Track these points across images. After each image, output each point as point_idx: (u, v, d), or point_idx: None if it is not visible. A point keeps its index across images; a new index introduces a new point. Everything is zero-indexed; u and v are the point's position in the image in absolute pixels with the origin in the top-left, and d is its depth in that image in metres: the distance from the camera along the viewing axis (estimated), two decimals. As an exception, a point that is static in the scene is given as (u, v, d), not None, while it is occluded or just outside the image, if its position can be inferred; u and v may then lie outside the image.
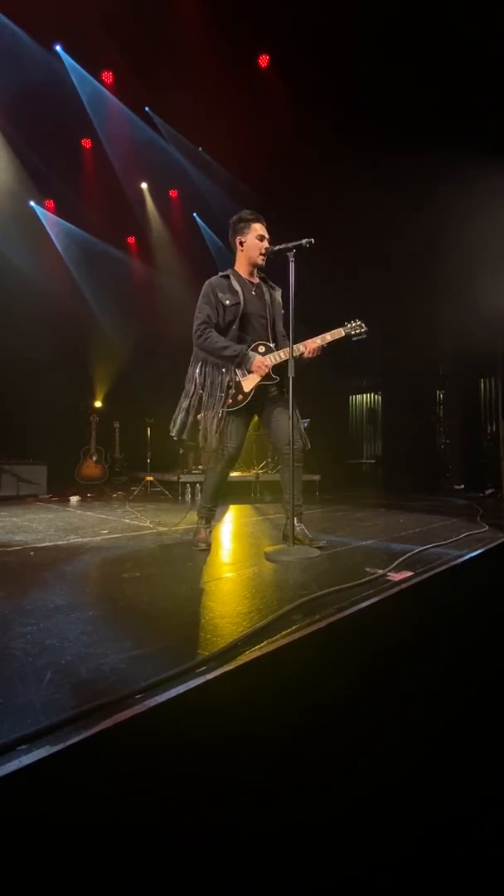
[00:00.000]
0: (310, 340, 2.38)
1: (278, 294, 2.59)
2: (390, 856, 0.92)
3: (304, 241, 2.24)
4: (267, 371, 2.38)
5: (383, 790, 1.07)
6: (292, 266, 2.27)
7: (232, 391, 2.39)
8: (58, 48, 5.92)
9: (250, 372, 2.40)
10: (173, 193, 7.90)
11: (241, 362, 2.38)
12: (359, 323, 2.44)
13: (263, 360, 2.38)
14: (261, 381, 2.39)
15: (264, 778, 0.96)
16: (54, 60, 5.95)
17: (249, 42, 5.72)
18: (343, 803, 1.01)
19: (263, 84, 6.02)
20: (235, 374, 2.41)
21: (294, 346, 2.28)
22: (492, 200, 5.59)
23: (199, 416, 2.42)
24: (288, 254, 2.28)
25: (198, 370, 2.45)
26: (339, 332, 2.43)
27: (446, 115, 5.22)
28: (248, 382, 2.40)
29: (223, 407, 2.37)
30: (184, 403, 2.46)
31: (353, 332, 2.44)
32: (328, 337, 2.41)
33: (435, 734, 1.33)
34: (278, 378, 2.44)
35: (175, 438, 2.49)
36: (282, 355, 2.39)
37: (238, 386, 2.40)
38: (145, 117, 6.73)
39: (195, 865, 0.79)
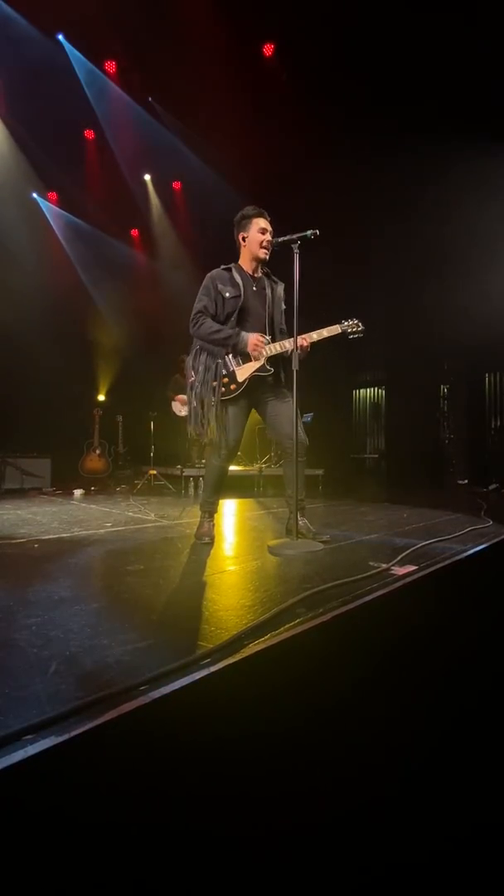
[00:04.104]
0: (306, 335, 2.35)
1: (280, 288, 2.56)
2: (400, 864, 0.89)
3: (308, 232, 2.22)
4: (262, 349, 2.35)
5: (388, 792, 1.06)
6: (296, 258, 2.25)
7: (225, 380, 2.37)
8: (60, 38, 5.87)
9: (245, 358, 2.37)
10: (176, 185, 7.85)
11: (237, 344, 2.36)
12: (356, 321, 2.42)
13: (259, 338, 2.35)
14: (255, 371, 2.37)
15: (265, 773, 0.96)
16: (57, 51, 5.90)
17: (254, 31, 5.65)
18: (346, 806, 1.01)
19: (268, 74, 5.95)
20: (230, 363, 2.39)
21: (292, 339, 2.26)
22: (499, 193, 5.53)
23: (197, 408, 2.40)
24: (292, 245, 2.25)
25: (193, 358, 2.45)
26: (336, 329, 2.41)
27: (453, 106, 5.14)
28: (243, 372, 2.38)
29: (216, 396, 2.35)
30: (188, 397, 2.45)
31: (349, 330, 2.42)
32: (325, 332, 2.39)
33: (440, 731, 1.33)
34: (273, 370, 2.42)
35: (199, 437, 2.46)
36: (277, 347, 2.38)
37: (232, 375, 2.38)
38: (149, 107, 6.67)
39: (195, 863, 0.79)
